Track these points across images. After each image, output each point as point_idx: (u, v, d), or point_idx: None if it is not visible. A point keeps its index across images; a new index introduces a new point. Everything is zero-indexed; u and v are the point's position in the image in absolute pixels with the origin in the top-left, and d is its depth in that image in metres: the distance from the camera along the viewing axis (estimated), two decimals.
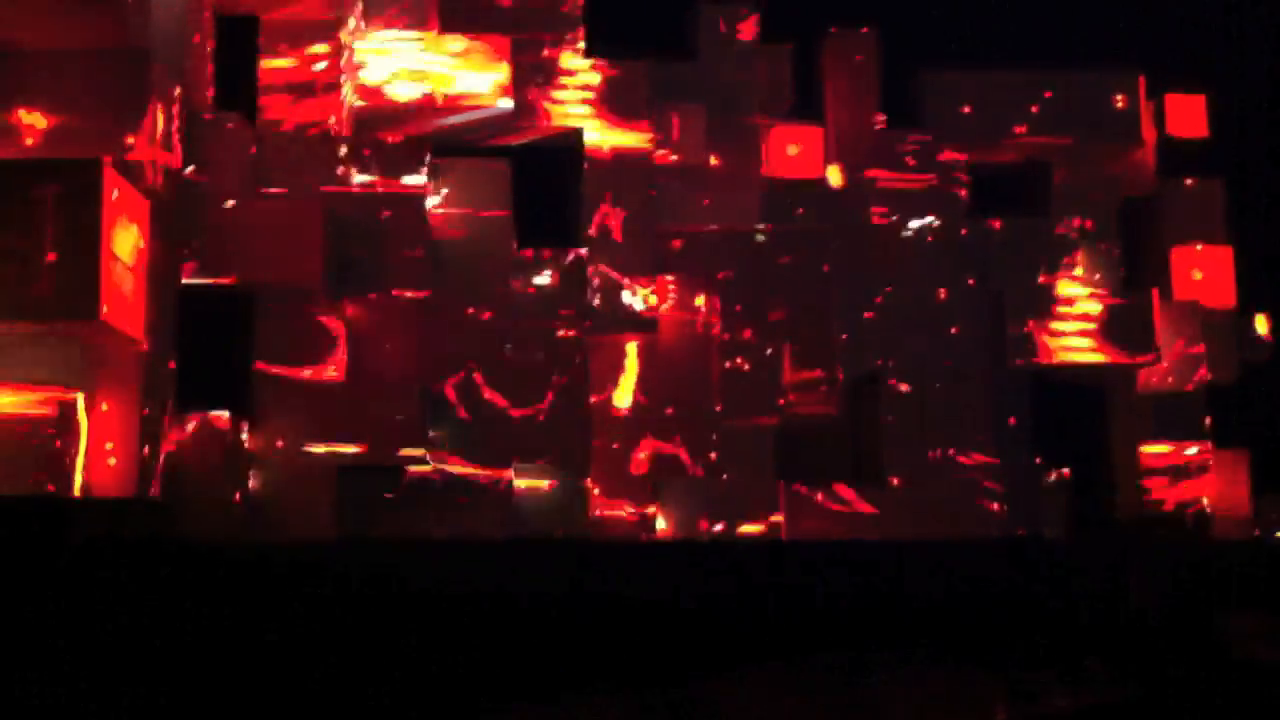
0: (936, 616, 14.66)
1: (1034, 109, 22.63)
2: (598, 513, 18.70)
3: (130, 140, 14.39)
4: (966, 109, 22.61)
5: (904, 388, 20.82)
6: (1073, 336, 22.00)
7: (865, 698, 11.02)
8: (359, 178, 17.85)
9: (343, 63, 18.11)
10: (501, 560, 14.18)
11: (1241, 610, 13.54)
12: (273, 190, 17.32)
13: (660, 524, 19.15)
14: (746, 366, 19.85)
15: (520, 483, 18.06)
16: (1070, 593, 14.87)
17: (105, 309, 13.24)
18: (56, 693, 9.13)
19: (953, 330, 21.44)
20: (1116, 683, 11.07)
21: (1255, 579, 15.22)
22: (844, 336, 20.93)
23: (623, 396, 19.11)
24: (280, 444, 16.97)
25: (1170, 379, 22.55)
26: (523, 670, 11.85)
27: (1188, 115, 23.41)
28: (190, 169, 16.30)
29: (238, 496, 16.42)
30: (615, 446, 19.09)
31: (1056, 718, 9.74)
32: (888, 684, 11.40)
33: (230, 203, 16.63)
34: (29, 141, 14.28)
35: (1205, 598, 13.60)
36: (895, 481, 20.29)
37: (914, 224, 21.53)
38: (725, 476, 19.53)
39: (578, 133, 19.62)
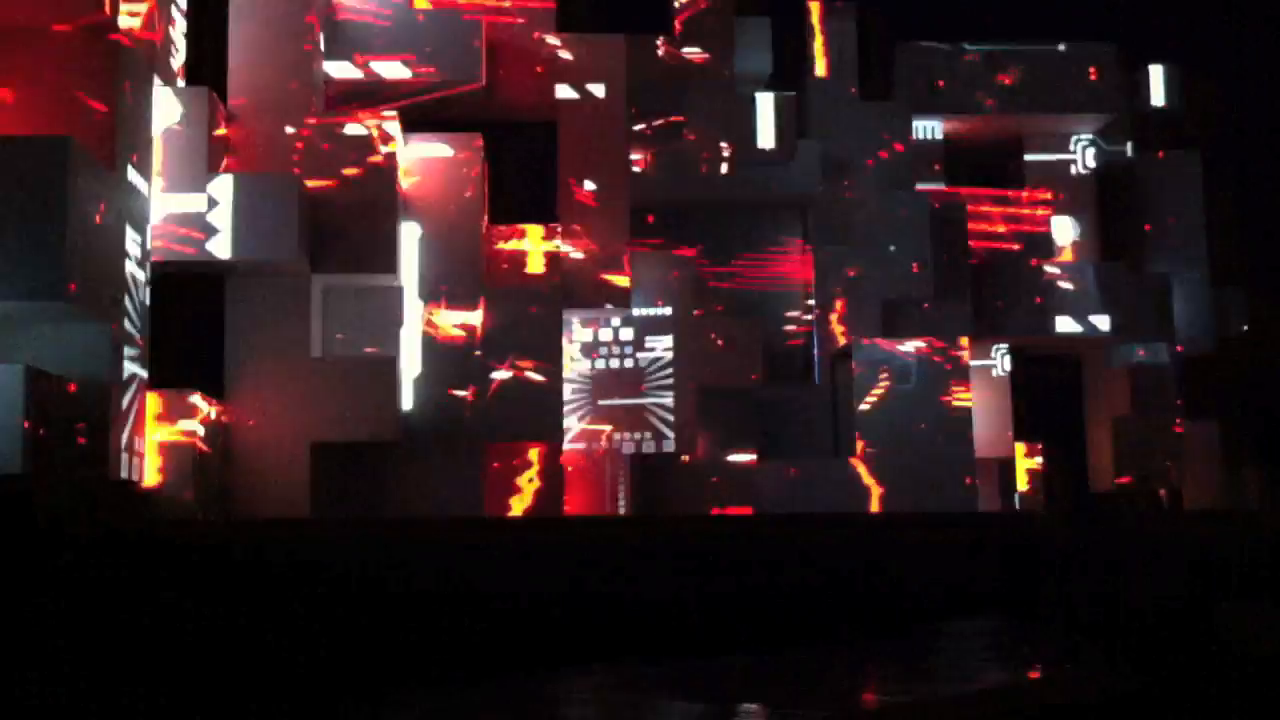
0: (927, 601, 14.69)
1: (1008, 82, 22.63)
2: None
3: (99, 117, 14.19)
4: (941, 82, 22.61)
5: (880, 362, 20.84)
6: (1048, 310, 22.05)
7: (864, 684, 11.06)
8: (330, 153, 17.67)
9: (316, 36, 17.96)
10: (478, 538, 14.12)
11: (1237, 601, 13.61)
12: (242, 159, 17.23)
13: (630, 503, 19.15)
14: (721, 342, 19.83)
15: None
16: (1068, 580, 14.90)
17: (73, 288, 13.07)
18: (32, 672, 9.04)
19: (925, 305, 21.47)
20: (1116, 674, 11.14)
21: (1254, 567, 15.30)
22: (818, 311, 20.96)
23: None
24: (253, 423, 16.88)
25: (1144, 352, 22.66)
26: (514, 647, 11.84)
27: (1163, 88, 23.53)
28: (162, 145, 16.12)
29: (212, 476, 16.31)
30: (590, 423, 19.13)
31: (1054, 708, 9.81)
32: (883, 671, 11.43)
33: (199, 176, 16.46)
34: None
35: (1203, 588, 13.67)
36: (871, 457, 20.30)
37: (888, 197, 21.54)
38: (701, 454, 19.53)
39: (552, 107, 19.50)
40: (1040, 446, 22.07)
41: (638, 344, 19.50)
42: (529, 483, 18.07)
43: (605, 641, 11.90)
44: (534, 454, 18.15)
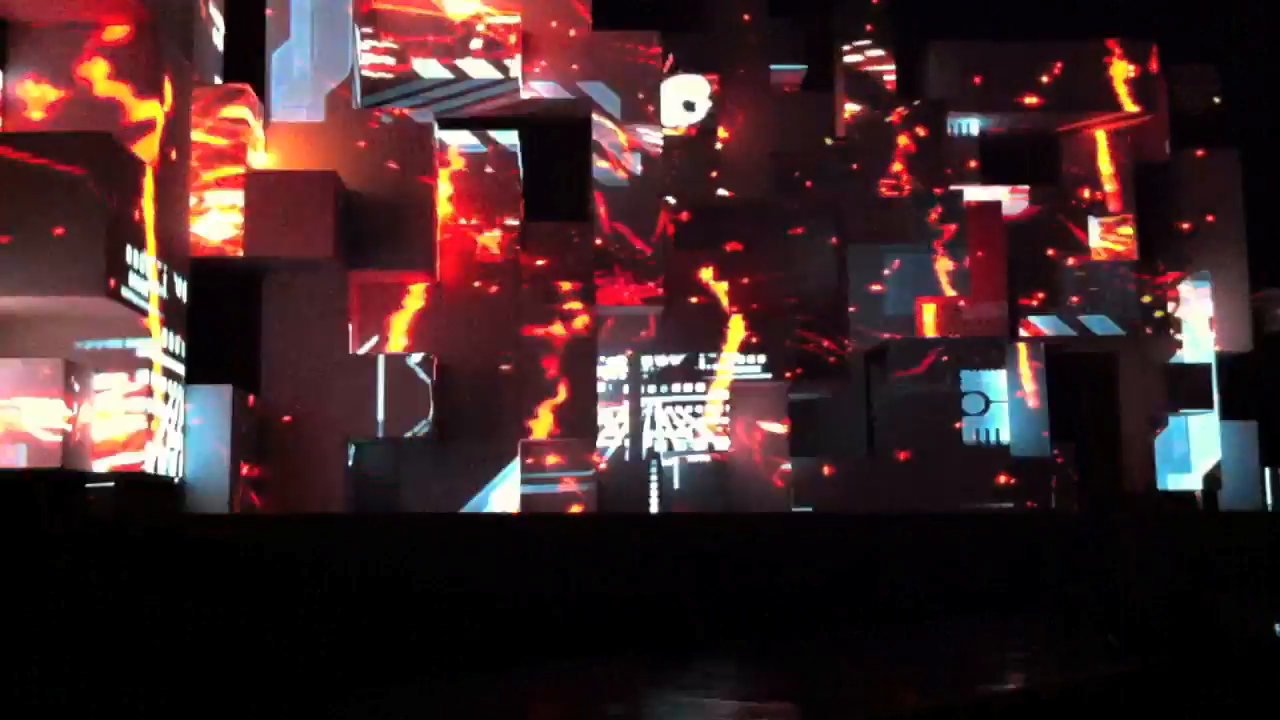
0: (946, 588, 14.72)
1: (1045, 79, 22.57)
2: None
3: (140, 115, 14.43)
4: (977, 79, 22.58)
5: (912, 360, 20.84)
6: (1083, 309, 21.98)
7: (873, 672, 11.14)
8: (367, 149, 17.81)
9: (354, 34, 18.14)
10: (508, 532, 14.21)
11: (1236, 593, 13.64)
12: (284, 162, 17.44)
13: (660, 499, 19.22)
14: (755, 339, 19.87)
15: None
16: (1080, 567, 14.91)
17: (112, 284, 13.30)
18: (57, 664, 9.16)
19: (962, 303, 21.45)
20: (1124, 656, 11.24)
21: (1255, 562, 15.29)
22: (853, 309, 20.94)
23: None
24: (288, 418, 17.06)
25: (1181, 352, 22.55)
26: (528, 642, 11.91)
27: (1200, 86, 23.41)
28: (200, 142, 16.33)
29: (245, 471, 16.50)
30: (621, 423, 19.22)
31: (1059, 690, 9.88)
32: (885, 670, 11.49)
33: (241, 176, 16.64)
34: (39, 115, 14.33)
35: (1205, 584, 13.68)
36: (903, 456, 20.31)
37: (923, 195, 21.52)
38: (729, 450, 19.60)
39: (585, 104, 19.62)
40: (1075, 445, 22.01)
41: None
42: (561, 479, 18.23)
43: (606, 638, 11.95)
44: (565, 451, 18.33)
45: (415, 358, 17.44)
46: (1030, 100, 22.55)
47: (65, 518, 11.16)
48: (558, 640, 11.95)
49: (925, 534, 15.04)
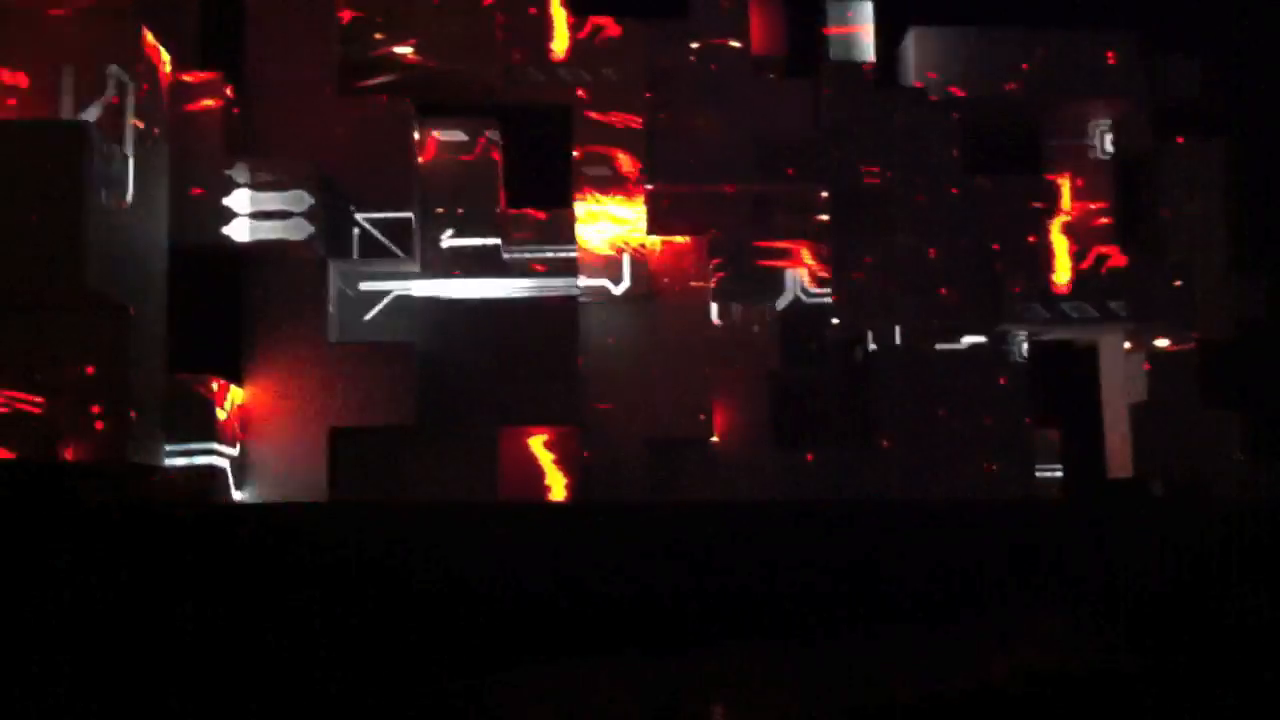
0: (939, 582, 14.70)
1: (1026, 66, 22.49)
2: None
3: (115, 101, 14.21)
4: (960, 67, 22.48)
5: (896, 349, 20.78)
6: (1064, 296, 21.94)
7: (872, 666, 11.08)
8: (346, 136, 17.64)
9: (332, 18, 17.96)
10: (495, 522, 14.12)
11: (1239, 582, 13.64)
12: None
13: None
14: (738, 328, 19.77)
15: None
16: (1076, 561, 14.91)
17: (89, 272, 13.11)
18: (42, 653, 9.06)
19: (943, 291, 21.39)
20: (1122, 651, 11.23)
21: (1258, 548, 15.28)
22: (835, 297, 20.88)
23: None
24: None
25: (1162, 339, 22.53)
26: (521, 636, 11.84)
27: (1185, 74, 23.37)
28: (175, 128, 16.12)
29: (227, 460, 16.36)
30: (608, 407, 19.08)
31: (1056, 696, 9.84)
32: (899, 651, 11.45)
33: (215, 161, 16.45)
34: (11, 102, 14.10)
35: (1207, 570, 13.68)
36: (887, 444, 20.25)
37: (905, 183, 21.43)
38: (716, 439, 19.52)
39: (568, 92, 19.47)
40: (1057, 434, 22.00)
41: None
42: (546, 468, 18.13)
43: (605, 634, 11.87)
44: (551, 439, 18.22)
45: (398, 346, 17.35)
46: (1012, 87, 22.46)
47: (54, 507, 11.05)
48: (544, 638, 11.87)
49: (921, 527, 15.00)
